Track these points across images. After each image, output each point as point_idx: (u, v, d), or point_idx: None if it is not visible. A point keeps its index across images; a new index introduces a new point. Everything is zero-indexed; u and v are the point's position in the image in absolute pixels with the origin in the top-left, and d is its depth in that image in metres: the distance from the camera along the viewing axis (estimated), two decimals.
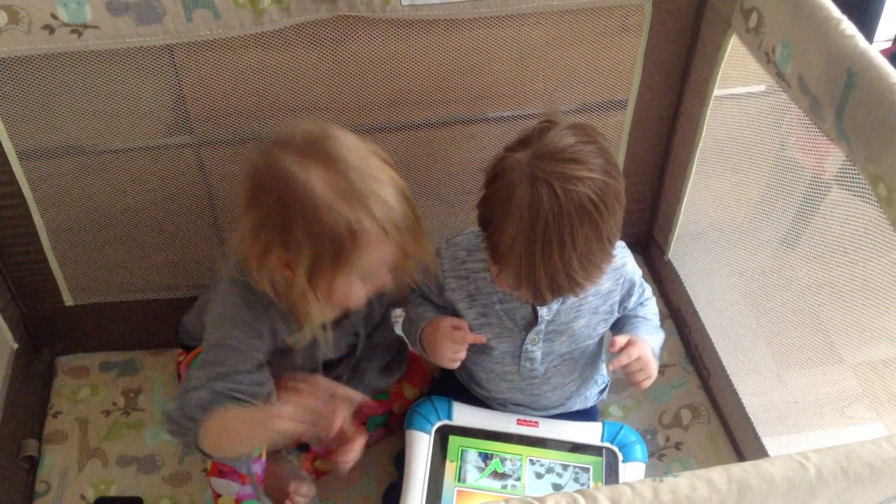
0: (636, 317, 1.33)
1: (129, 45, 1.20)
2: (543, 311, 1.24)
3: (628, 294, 1.29)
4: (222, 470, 1.28)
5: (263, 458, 1.27)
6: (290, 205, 1.01)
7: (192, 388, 1.12)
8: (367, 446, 1.36)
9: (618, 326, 1.34)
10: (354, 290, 1.09)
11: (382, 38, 1.29)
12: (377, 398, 1.41)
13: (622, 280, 1.27)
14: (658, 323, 1.35)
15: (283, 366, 1.21)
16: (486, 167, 1.12)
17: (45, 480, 1.43)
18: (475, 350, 1.31)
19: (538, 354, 1.29)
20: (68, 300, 1.53)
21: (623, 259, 1.27)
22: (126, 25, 1.17)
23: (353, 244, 1.01)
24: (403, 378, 1.43)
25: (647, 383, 1.26)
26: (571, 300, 1.24)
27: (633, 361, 1.23)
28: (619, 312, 1.31)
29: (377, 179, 1.02)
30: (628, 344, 1.23)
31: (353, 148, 1.04)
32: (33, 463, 1.44)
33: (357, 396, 1.17)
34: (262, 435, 1.13)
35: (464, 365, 1.30)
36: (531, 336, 1.27)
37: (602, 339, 1.36)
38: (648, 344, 1.27)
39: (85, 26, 1.16)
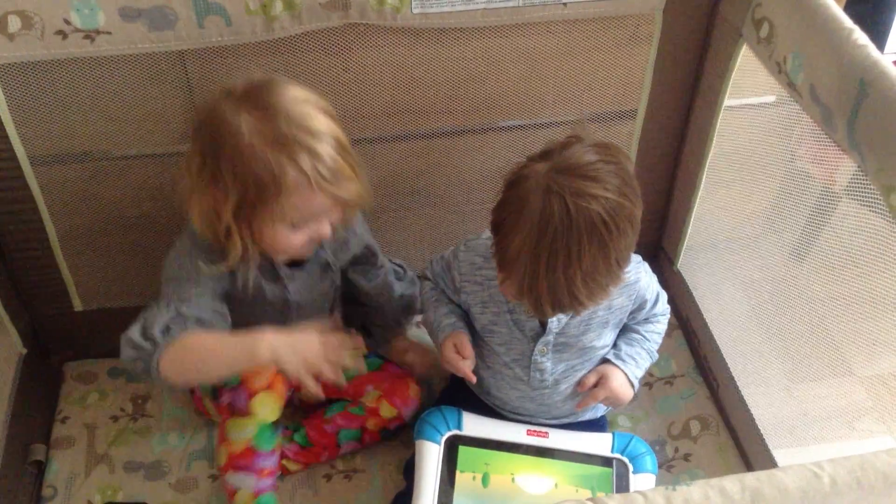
0: (636, 332, 1.34)
1: (141, 51, 1.21)
2: (552, 323, 1.24)
3: (640, 308, 1.30)
4: (238, 464, 1.28)
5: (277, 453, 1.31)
6: (220, 146, 1.06)
7: (152, 312, 1.14)
8: (339, 456, 1.43)
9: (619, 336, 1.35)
10: (284, 235, 1.12)
11: (393, 46, 1.29)
12: (352, 412, 1.41)
13: (635, 296, 1.27)
14: (657, 345, 1.35)
15: (255, 313, 1.22)
16: (506, 173, 1.12)
17: (52, 485, 1.43)
18: (486, 355, 1.31)
19: (547, 365, 1.28)
20: (78, 305, 1.53)
21: (637, 275, 1.27)
22: (138, 31, 1.18)
23: (276, 190, 1.05)
24: (383, 396, 1.42)
25: (619, 407, 1.35)
26: (584, 313, 1.24)
27: (602, 400, 1.30)
28: (627, 321, 1.32)
29: (309, 130, 1.05)
30: (597, 384, 1.29)
31: (291, 97, 1.07)
32: (41, 468, 1.44)
33: (352, 340, 1.17)
34: (243, 360, 1.13)
35: (474, 372, 1.31)
36: (539, 347, 1.26)
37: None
38: (625, 374, 1.29)
39: (98, 32, 1.17)
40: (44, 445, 1.46)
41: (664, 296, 1.36)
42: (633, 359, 1.31)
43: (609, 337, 1.30)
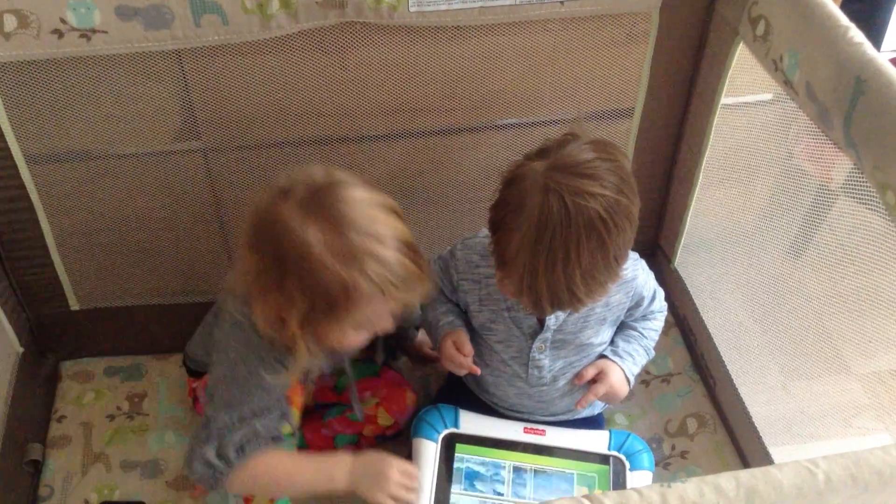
0: (633, 329, 1.34)
1: (137, 50, 1.21)
2: (550, 321, 1.24)
3: (637, 305, 1.31)
4: None
5: None
6: (287, 259, 1.01)
7: (223, 429, 1.12)
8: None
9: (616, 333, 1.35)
10: (349, 338, 1.10)
11: (390, 45, 1.29)
12: (350, 418, 1.41)
13: (632, 293, 1.28)
14: (653, 342, 1.36)
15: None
16: (504, 172, 1.11)
17: (48, 485, 1.43)
18: (484, 352, 1.31)
19: (545, 362, 1.29)
20: (74, 305, 1.53)
21: (634, 272, 1.27)
22: (135, 30, 1.18)
23: (347, 302, 1.02)
24: (381, 403, 1.42)
25: (616, 401, 1.34)
26: (582, 310, 1.24)
27: (601, 395, 1.29)
28: (624, 317, 1.32)
29: (377, 237, 1.01)
30: (596, 378, 1.28)
31: (356, 202, 1.02)
32: (37, 467, 1.44)
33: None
34: (321, 486, 1.16)
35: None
36: (537, 344, 1.27)
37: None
38: (622, 370, 1.29)
39: (94, 31, 1.17)
40: (40, 445, 1.46)
41: (661, 293, 1.37)
42: (631, 355, 1.32)
43: (607, 334, 1.30)
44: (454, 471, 1.28)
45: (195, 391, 1.46)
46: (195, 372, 1.43)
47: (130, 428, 1.51)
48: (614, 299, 1.26)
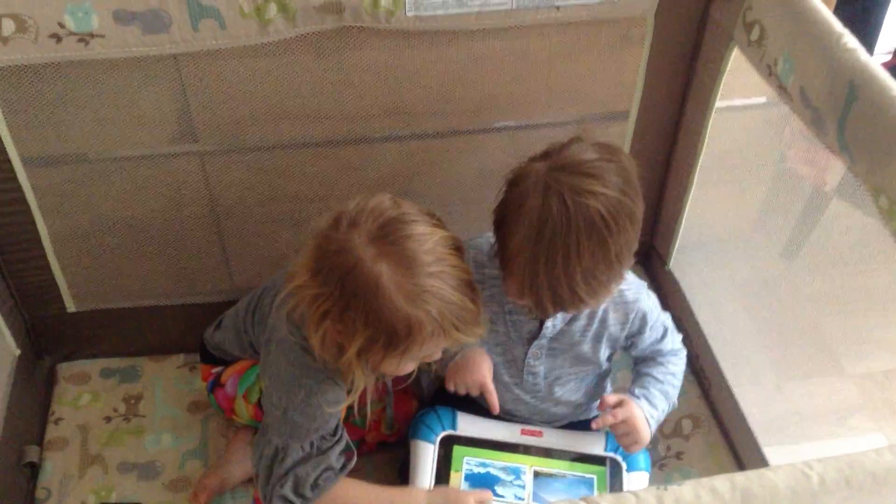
0: (650, 375, 1.31)
1: (135, 54, 1.21)
2: (547, 327, 1.24)
3: (639, 331, 1.28)
4: None
5: None
6: (354, 291, 1.01)
7: (299, 464, 1.15)
8: None
9: (632, 378, 1.34)
10: (402, 368, 1.11)
11: (387, 49, 1.29)
12: (354, 423, 1.41)
13: (632, 316, 1.26)
14: (675, 388, 1.31)
15: None
16: (507, 173, 1.12)
17: (45, 487, 1.43)
18: None
19: (541, 370, 1.29)
20: (70, 307, 1.53)
21: (637, 295, 1.26)
22: (132, 35, 1.18)
23: (408, 339, 1.02)
24: (383, 410, 1.43)
25: (636, 448, 1.26)
26: (579, 323, 1.24)
27: (619, 424, 1.23)
28: (626, 344, 1.30)
29: (443, 277, 1.02)
30: (618, 404, 1.24)
31: (425, 239, 1.02)
32: (34, 469, 1.44)
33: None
34: None
35: None
36: (533, 350, 1.27)
37: (611, 360, 1.36)
38: (641, 409, 1.25)
39: (91, 35, 1.17)
40: (37, 447, 1.46)
41: (676, 335, 1.34)
42: (646, 398, 1.28)
43: (603, 353, 1.29)
44: (470, 476, 1.29)
45: (215, 378, 1.42)
46: (213, 359, 1.42)
47: (127, 430, 1.51)
48: (612, 317, 1.25)
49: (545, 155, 1.08)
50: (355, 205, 1.04)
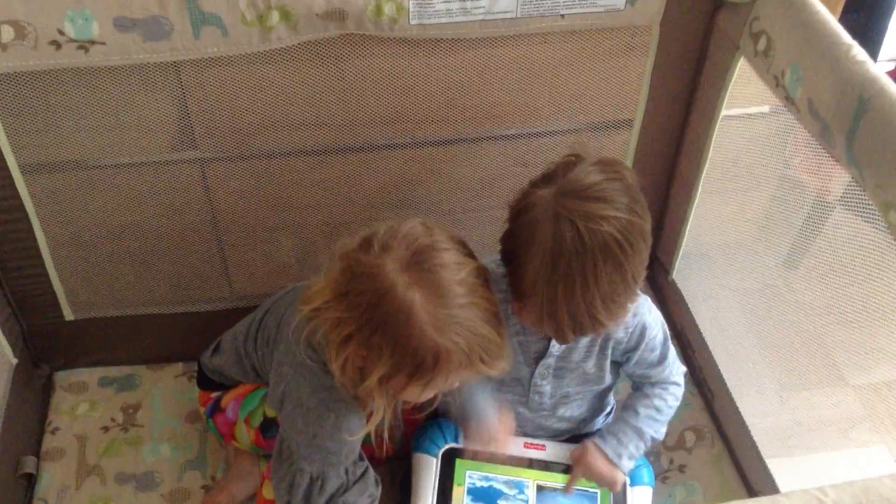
0: (631, 408, 1.30)
1: (135, 62, 1.20)
2: (553, 347, 1.23)
3: (635, 346, 1.25)
4: None
5: None
6: (384, 318, 0.99)
7: (339, 490, 1.14)
8: None
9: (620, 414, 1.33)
10: (423, 396, 1.09)
11: (389, 56, 1.28)
12: (365, 441, 1.39)
13: (630, 329, 1.24)
14: (655, 422, 1.29)
15: None
16: (510, 201, 1.10)
17: (42, 498, 1.41)
18: (485, 379, 1.30)
19: (547, 389, 1.28)
20: (69, 315, 1.52)
21: (639, 308, 1.23)
22: (133, 42, 1.17)
23: (434, 368, 1.01)
24: (393, 428, 1.41)
25: (615, 487, 1.28)
26: (584, 340, 1.23)
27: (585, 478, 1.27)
28: (621, 360, 1.28)
29: (473, 309, 1.01)
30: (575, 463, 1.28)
31: (457, 269, 1.01)
32: (31, 480, 1.43)
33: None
34: None
35: None
36: (540, 370, 1.26)
37: (616, 375, 1.34)
38: (601, 452, 1.27)
39: (92, 42, 1.15)
40: (34, 458, 1.45)
41: (677, 366, 1.32)
42: (615, 436, 1.28)
43: (608, 368, 1.28)
44: (473, 490, 1.28)
45: (214, 402, 1.40)
46: (211, 384, 1.39)
47: (125, 440, 1.50)
48: (614, 331, 1.23)
49: (547, 179, 1.06)
50: (387, 229, 1.02)
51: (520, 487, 1.29)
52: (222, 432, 1.40)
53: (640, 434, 1.28)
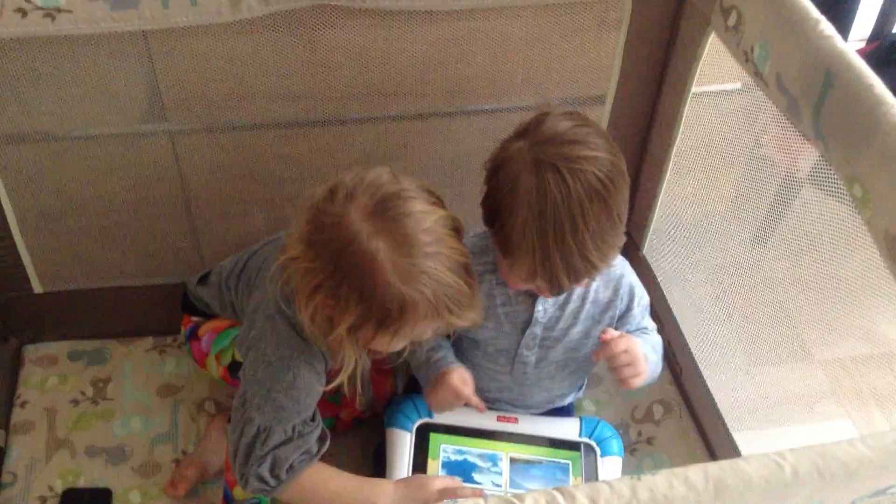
0: (639, 335, 1.30)
1: (103, 31, 1.18)
2: (539, 313, 1.23)
3: (628, 307, 1.27)
4: None
5: None
6: (348, 267, 0.99)
7: (279, 446, 1.14)
8: None
9: None
10: (392, 346, 1.09)
11: (361, 28, 1.27)
12: (329, 400, 1.39)
13: (622, 291, 1.26)
14: (659, 356, 1.30)
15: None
16: (486, 161, 1.10)
17: (11, 471, 1.41)
18: (469, 346, 1.30)
19: (532, 359, 1.29)
20: (37, 288, 1.50)
21: (622, 270, 1.26)
22: (100, 10, 1.15)
23: (401, 318, 1.00)
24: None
25: (637, 381, 1.21)
26: (571, 306, 1.23)
27: (621, 353, 1.18)
28: (616, 325, 1.29)
29: (442, 260, 1.00)
30: (619, 336, 1.20)
31: (424, 218, 1.00)
32: (0, 453, 1.42)
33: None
34: None
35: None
36: (526, 341, 1.26)
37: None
38: (641, 344, 1.22)
39: (59, 10, 1.14)
40: (3, 431, 1.44)
41: (648, 314, 1.35)
42: (647, 346, 1.27)
43: (595, 334, 1.28)
44: (448, 463, 1.29)
45: (193, 327, 1.41)
46: (193, 309, 1.40)
47: (95, 413, 1.49)
48: (602, 296, 1.25)
49: (521, 134, 1.07)
50: (352, 177, 1.02)
51: (493, 460, 1.30)
52: (196, 358, 1.41)
53: (655, 350, 1.29)
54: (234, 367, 1.35)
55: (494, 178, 1.08)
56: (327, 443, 1.20)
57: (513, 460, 1.30)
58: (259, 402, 1.13)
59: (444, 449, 1.30)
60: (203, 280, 1.38)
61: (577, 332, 1.27)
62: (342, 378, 1.10)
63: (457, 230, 1.05)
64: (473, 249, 1.20)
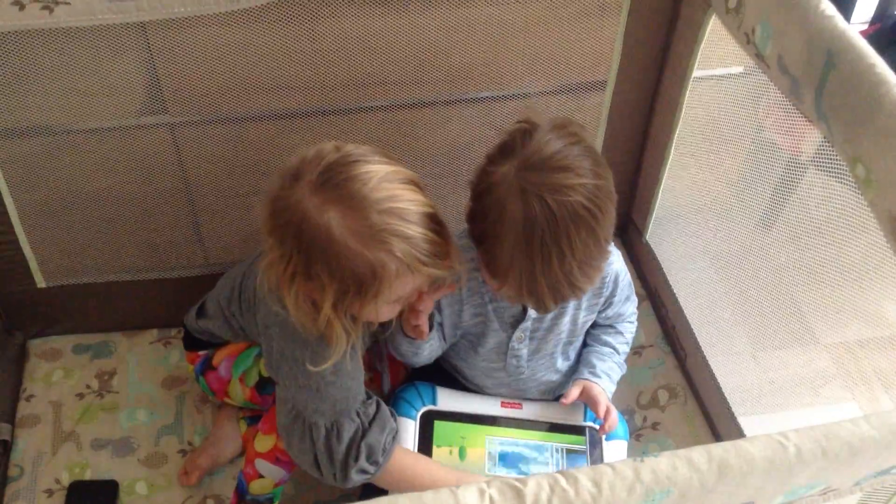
0: (607, 346, 1.33)
1: (101, 22, 1.17)
2: (531, 311, 1.23)
3: (612, 293, 1.28)
4: (280, 458, 1.27)
5: None
6: (309, 246, 0.98)
7: (358, 433, 1.14)
8: None
9: (590, 348, 1.34)
10: (383, 313, 1.08)
11: (360, 17, 1.27)
12: None
13: (608, 279, 1.26)
14: (626, 355, 1.36)
15: None
16: (471, 180, 1.09)
17: (18, 465, 1.41)
18: (462, 348, 1.31)
19: (524, 352, 1.29)
20: (41, 282, 1.50)
21: (610, 257, 1.26)
22: (98, 2, 1.14)
23: (376, 282, 0.99)
24: (371, 380, 1.40)
25: (613, 423, 1.29)
26: None
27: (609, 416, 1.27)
28: (602, 309, 1.30)
29: (399, 214, 0.98)
30: (581, 395, 1.27)
31: (372, 178, 0.98)
32: (6, 447, 1.43)
33: None
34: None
35: (449, 361, 1.32)
36: (517, 335, 1.26)
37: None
38: (599, 388, 1.29)
39: (56, 2, 1.13)
40: (9, 425, 1.44)
41: (635, 296, 1.35)
42: (607, 374, 1.31)
43: (583, 322, 1.29)
44: (501, 455, 1.29)
45: (204, 360, 1.39)
46: (197, 343, 1.39)
47: (100, 406, 1.50)
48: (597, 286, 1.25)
49: (505, 153, 1.04)
50: (297, 157, 1.01)
51: (540, 451, 1.30)
52: (214, 389, 1.39)
53: (620, 368, 1.34)
54: (261, 385, 1.34)
55: (480, 201, 1.06)
56: (395, 415, 1.21)
57: (516, 445, 1.30)
58: (315, 406, 1.12)
59: (491, 441, 1.30)
60: (201, 313, 1.37)
61: (566, 321, 1.27)
62: (338, 355, 1.08)
63: (413, 182, 1.03)
64: (462, 247, 1.20)
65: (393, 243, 0.97)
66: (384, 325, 1.19)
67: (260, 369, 1.34)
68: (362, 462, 1.14)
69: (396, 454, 1.17)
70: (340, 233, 0.97)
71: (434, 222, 1.02)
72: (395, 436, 1.18)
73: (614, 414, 1.28)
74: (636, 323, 1.38)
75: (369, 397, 1.18)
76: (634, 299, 1.36)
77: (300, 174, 0.99)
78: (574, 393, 1.27)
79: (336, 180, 0.98)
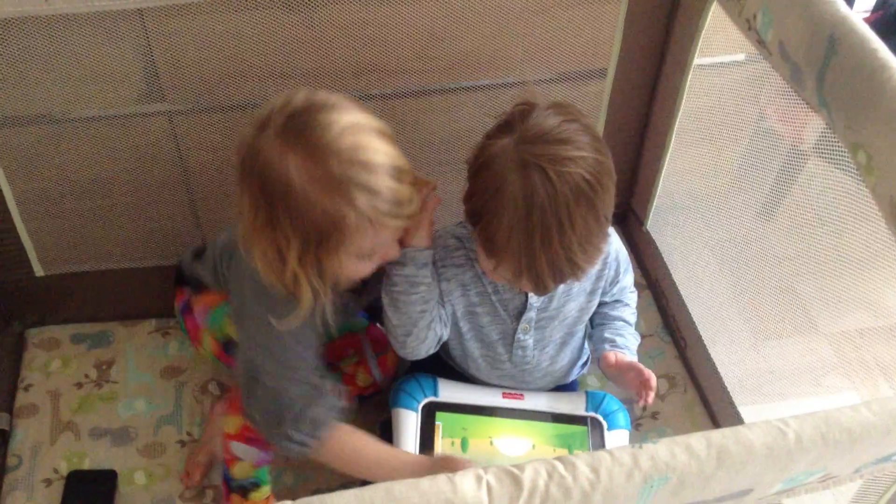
0: (622, 320, 1.32)
1: (98, 9, 1.17)
2: (533, 300, 1.22)
3: (616, 272, 1.27)
4: (250, 437, 1.26)
5: None
6: (271, 193, 0.96)
7: (296, 400, 1.12)
8: None
9: (601, 326, 1.33)
10: (352, 268, 1.06)
11: (359, 4, 1.26)
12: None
13: (609, 259, 1.25)
14: (634, 325, 1.34)
15: None
16: (468, 158, 1.07)
17: (16, 454, 1.41)
18: (468, 339, 1.29)
19: (530, 342, 1.28)
20: (39, 271, 1.50)
21: (609, 239, 1.25)
22: None
23: (338, 234, 0.98)
24: (360, 363, 1.42)
25: (652, 393, 1.23)
26: (562, 285, 1.23)
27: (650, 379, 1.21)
28: (607, 289, 1.29)
29: (363, 164, 0.96)
30: (643, 375, 1.21)
31: (338, 127, 0.96)
32: (5, 437, 1.42)
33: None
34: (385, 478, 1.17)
35: (453, 354, 1.31)
36: (522, 325, 1.25)
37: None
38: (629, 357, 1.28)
39: None
40: (7, 414, 1.44)
41: (631, 268, 1.35)
42: (629, 348, 1.30)
43: (590, 306, 1.29)
44: None
45: (186, 300, 1.38)
46: (187, 282, 1.37)
47: (99, 395, 1.49)
48: (593, 270, 1.23)
49: (504, 129, 1.04)
50: (268, 104, 1.00)
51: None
52: (189, 333, 1.38)
53: (636, 338, 1.32)
54: (228, 346, 1.33)
55: (478, 177, 1.05)
56: (344, 395, 1.18)
57: (519, 436, 1.30)
58: (264, 365, 1.11)
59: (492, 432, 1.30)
60: (199, 256, 1.35)
61: (571, 307, 1.26)
62: (307, 311, 1.05)
63: (384, 134, 1.01)
64: (462, 235, 1.19)
65: (354, 194, 0.96)
66: (359, 293, 1.17)
67: (229, 329, 1.32)
68: (304, 433, 1.12)
69: (345, 432, 1.15)
70: (300, 181, 0.95)
71: (399, 171, 1.00)
72: (342, 413, 1.15)
73: (652, 376, 1.23)
74: (636, 290, 1.37)
75: (324, 375, 1.16)
76: (631, 268, 1.34)
77: (268, 121, 0.97)
78: (611, 359, 1.24)
79: (300, 128, 0.96)
